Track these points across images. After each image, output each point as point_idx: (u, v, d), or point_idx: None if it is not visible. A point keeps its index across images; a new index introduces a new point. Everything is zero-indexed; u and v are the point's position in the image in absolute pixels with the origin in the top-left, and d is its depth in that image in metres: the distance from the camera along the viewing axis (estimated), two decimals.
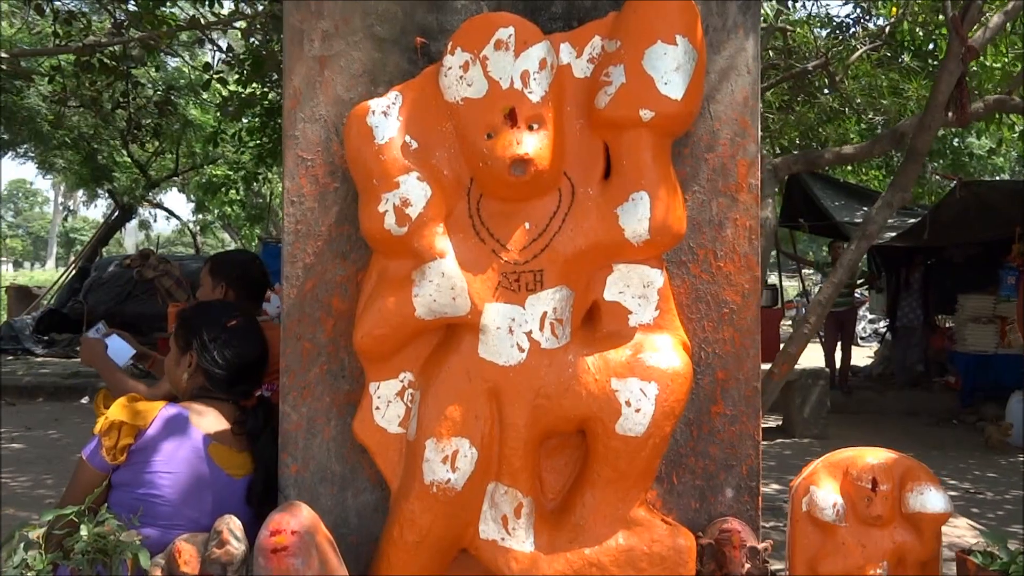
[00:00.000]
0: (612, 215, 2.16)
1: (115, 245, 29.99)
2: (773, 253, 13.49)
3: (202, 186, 17.50)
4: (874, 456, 2.23)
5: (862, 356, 14.43)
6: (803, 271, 14.63)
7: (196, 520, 2.24)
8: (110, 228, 17.92)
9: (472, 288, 2.14)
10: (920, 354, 11.69)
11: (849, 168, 11.85)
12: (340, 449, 2.33)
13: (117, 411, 2.25)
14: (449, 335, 2.21)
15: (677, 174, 2.29)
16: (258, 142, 11.30)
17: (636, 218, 2.14)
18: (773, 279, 11.14)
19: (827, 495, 2.21)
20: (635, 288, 2.23)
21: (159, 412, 2.29)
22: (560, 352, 2.17)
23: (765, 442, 8.26)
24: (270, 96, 9.00)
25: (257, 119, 10.31)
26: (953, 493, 6.16)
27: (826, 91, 8.51)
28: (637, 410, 2.14)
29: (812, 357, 13.05)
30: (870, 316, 18.17)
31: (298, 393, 2.32)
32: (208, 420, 2.35)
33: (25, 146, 16.02)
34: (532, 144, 2.10)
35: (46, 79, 10.79)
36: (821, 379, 9.07)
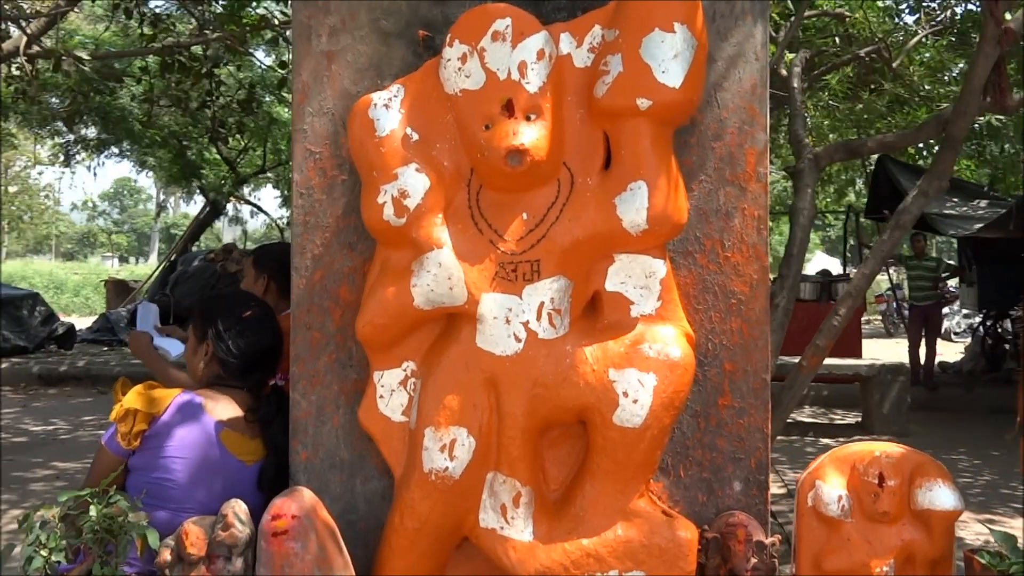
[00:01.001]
0: (610, 205, 2.15)
1: (214, 240, 30.90)
2: (852, 243, 13.18)
3: (288, 181, 17.87)
4: (882, 450, 2.17)
5: (954, 352, 13.98)
6: (890, 266, 14.25)
7: (206, 504, 2.31)
8: (201, 224, 18.45)
9: (469, 278, 2.15)
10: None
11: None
12: (348, 437, 2.37)
13: (132, 399, 2.33)
14: (450, 325, 2.23)
15: (683, 163, 2.27)
16: None
17: (634, 208, 2.13)
18: (831, 268, 10.84)
19: (832, 490, 2.16)
20: (637, 278, 2.21)
21: (173, 399, 2.36)
22: (558, 342, 2.17)
23: (842, 438, 8.10)
24: None
25: None
26: None
27: (888, 79, 8.24)
28: (635, 401, 2.12)
29: (895, 352, 12.73)
30: (964, 311, 17.58)
31: (307, 381, 2.37)
32: (222, 407, 2.42)
33: (121, 145, 16.62)
34: (528, 135, 2.10)
35: (136, 80, 11.17)
36: (901, 375, 8.79)
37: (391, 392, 2.27)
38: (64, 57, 7.88)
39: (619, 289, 2.21)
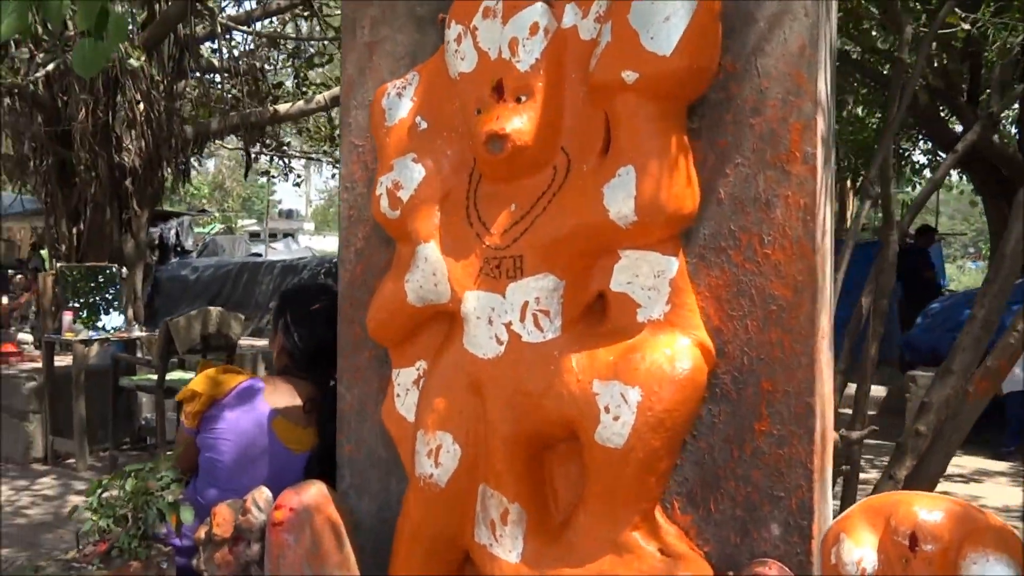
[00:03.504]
0: (598, 194, 1.89)
1: None
2: None
3: None
4: (925, 504, 1.68)
5: None
6: None
7: (249, 487, 2.39)
8: None
9: (453, 274, 2.02)
10: None
11: None
12: (386, 435, 2.32)
13: (198, 380, 2.49)
14: (450, 324, 2.11)
15: (717, 145, 1.94)
16: None
17: (621, 196, 1.86)
18: None
19: (855, 548, 1.72)
20: (644, 278, 1.93)
21: (237, 384, 2.49)
22: (545, 347, 1.96)
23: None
24: None
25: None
26: None
27: None
28: (616, 418, 1.85)
29: None
30: None
31: (351, 375, 2.37)
32: (280, 396, 2.50)
33: None
34: (510, 119, 1.92)
35: None
36: None
37: (406, 391, 2.20)
38: None
39: (625, 290, 1.94)
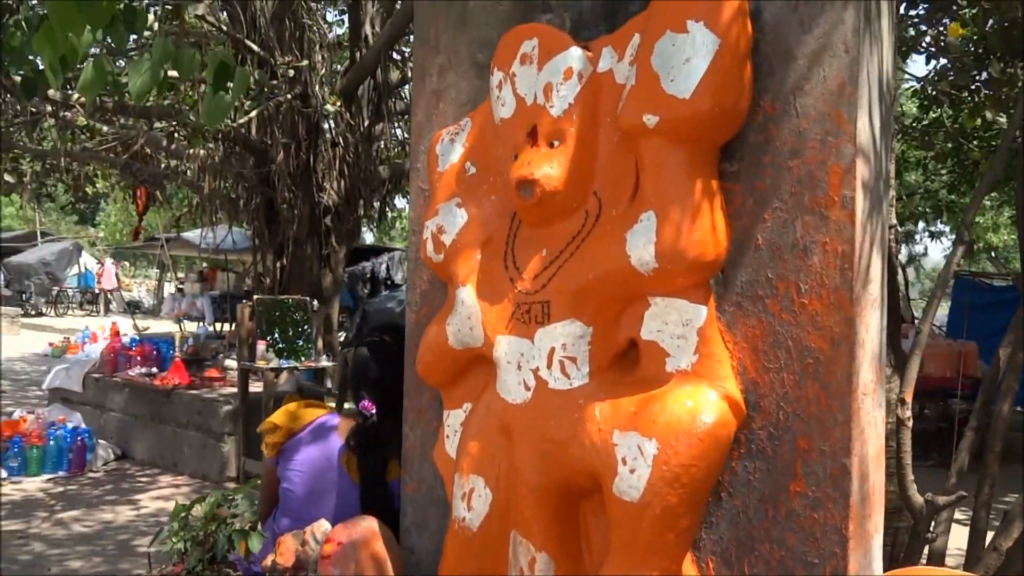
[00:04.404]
0: (622, 239, 1.85)
1: None
2: None
3: None
4: None
5: None
6: None
7: (317, 519, 2.47)
8: None
9: (487, 318, 2.02)
10: None
11: None
12: None
13: (278, 414, 2.60)
14: (490, 367, 2.10)
15: (756, 189, 1.86)
16: (950, 169, 10.57)
17: (642, 243, 1.81)
18: None
19: None
20: (673, 326, 1.86)
21: (315, 419, 2.58)
22: (571, 394, 1.92)
23: None
24: (959, 120, 8.38)
25: (948, 144, 9.59)
26: None
27: None
28: (632, 471, 1.79)
29: None
30: None
31: (415, 416, 2.41)
32: (351, 430, 2.57)
33: None
34: (540, 164, 1.92)
35: None
36: None
37: (455, 432, 2.21)
38: None
39: (654, 338, 1.88)
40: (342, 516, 2.38)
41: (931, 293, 2.51)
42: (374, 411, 2.55)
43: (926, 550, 2.68)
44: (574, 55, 1.95)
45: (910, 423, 2.31)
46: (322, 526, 2.31)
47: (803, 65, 1.82)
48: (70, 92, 8.19)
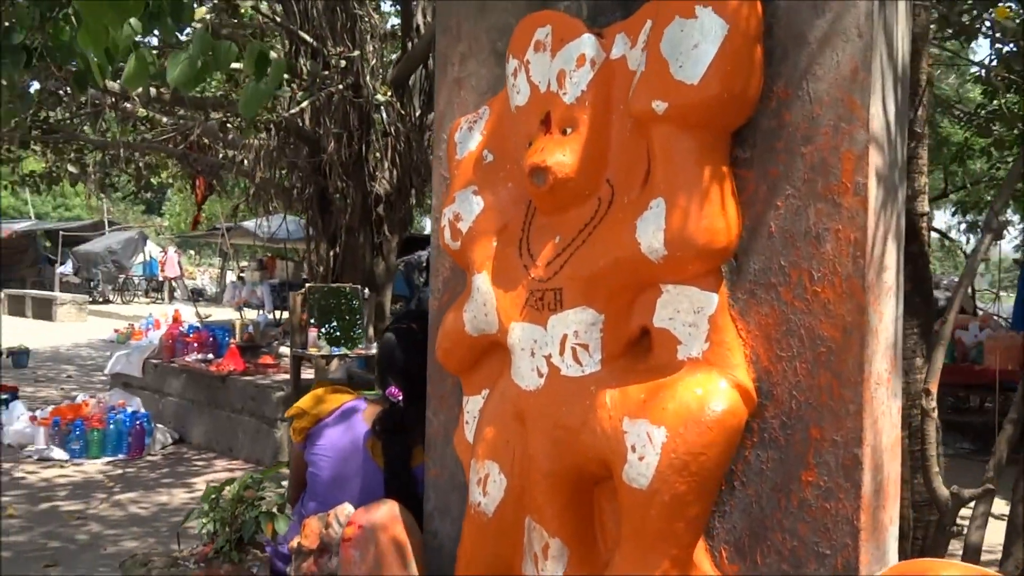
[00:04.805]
0: (632, 227, 1.84)
1: None
2: None
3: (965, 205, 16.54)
4: (953, 574, 1.49)
5: None
6: None
7: (342, 502, 2.50)
8: None
9: (501, 305, 2.03)
10: None
11: None
12: None
13: (305, 399, 2.64)
14: (506, 354, 2.11)
15: (768, 175, 1.84)
16: (1014, 157, 10.33)
17: (651, 230, 1.80)
18: None
19: None
20: (685, 314, 1.85)
21: (341, 404, 2.62)
22: (582, 381, 1.92)
23: None
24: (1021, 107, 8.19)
25: (1012, 131, 9.36)
26: None
27: None
28: (640, 458, 1.79)
29: None
30: None
31: (438, 402, 2.43)
32: (376, 415, 2.60)
33: None
34: (552, 152, 1.92)
35: None
36: None
37: (473, 419, 2.23)
38: None
39: (666, 326, 1.88)
40: (367, 500, 2.41)
41: (955, 284, 2.46)
42: (400, 397, 2.58)
43: (961, 545, 2.63)
44: (587, 42, 1.94)
45: (935, 414, 2.27)
46: (345, 509, 2.35)
47: (815, 48, 1.80)
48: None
